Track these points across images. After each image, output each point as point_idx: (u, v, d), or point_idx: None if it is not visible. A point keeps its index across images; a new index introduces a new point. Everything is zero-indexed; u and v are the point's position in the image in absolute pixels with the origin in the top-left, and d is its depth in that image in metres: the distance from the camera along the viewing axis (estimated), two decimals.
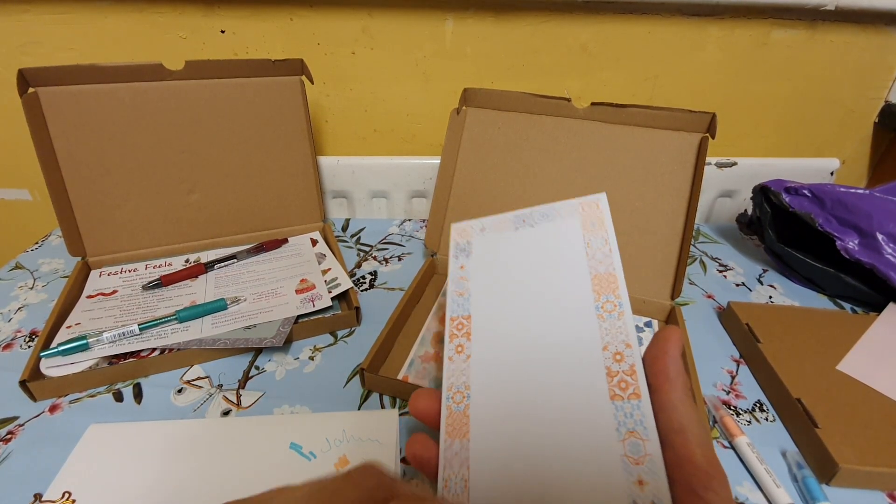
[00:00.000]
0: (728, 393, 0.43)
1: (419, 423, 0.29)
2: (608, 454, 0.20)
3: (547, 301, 0.26)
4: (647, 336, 0.46)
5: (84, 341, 0.41)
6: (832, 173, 0.70)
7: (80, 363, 0.41)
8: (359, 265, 0.60)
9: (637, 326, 0.47)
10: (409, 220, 0.71)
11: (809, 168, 0.69)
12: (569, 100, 0.52)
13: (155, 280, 0.50)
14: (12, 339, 0.47)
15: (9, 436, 0.37)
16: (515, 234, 0.30)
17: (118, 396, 0.41)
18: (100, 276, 0.52)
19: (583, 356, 0.24)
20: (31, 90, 0.47)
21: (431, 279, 0.56)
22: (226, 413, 0.39)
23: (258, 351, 0.45)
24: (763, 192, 0.60)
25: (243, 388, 0.42)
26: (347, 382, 0.42)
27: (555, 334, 0.25)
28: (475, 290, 0.29)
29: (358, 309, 0.48)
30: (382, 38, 0.62)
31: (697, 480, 0.18)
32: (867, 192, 0.54)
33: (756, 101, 0.69)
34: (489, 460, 0.23)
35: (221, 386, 0.42)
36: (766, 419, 0.40)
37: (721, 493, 0.18)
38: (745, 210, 0.65)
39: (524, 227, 0.30)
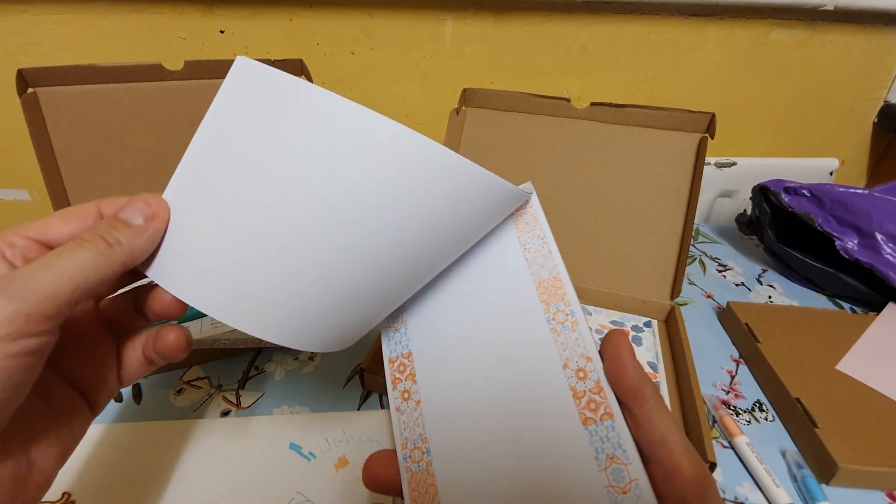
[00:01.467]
0: (728, 393, 0.43)
1: None
2: (592, 488, 0.19)
3: (493, 321, 0.23)
4: (647, 336, 0.46)
5: None
6: (831, 173, 0.70)
7: None
8: None
9: (636, 326, 0.47)
10: None
11: (809, 168, 0.69)
12: (568, 100, 0.52)
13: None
14: None
15: None
16: None
17: (117, 397, 0.41)
18: None
19: (544, 380, 0.21)
20: (30, 90, 0.47)
21: None
22: (225, 413, 0.39)
23: (258, 351, 0.45)
24: (762, 192, 0.60)
25: (243, 388, 0.42)
26: (347, 382, 0.42)
27: (509, 359, 0.22)
28: (411, 320, 0.25)
29: None
30: (382, 39, 0.62)
31: (690, 493, 0.17)
32: (866, 192, 0.54)
33: (755, 101, 0.69)
34: None
35: (221, 386, 0.42)
36: (766, 419, 0.40)
37: (714, 502, 0.18)
38: (745, 210, 0.65)
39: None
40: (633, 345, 0.21)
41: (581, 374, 0.21)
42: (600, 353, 0.21)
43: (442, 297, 0.25)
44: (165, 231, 0.21)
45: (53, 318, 0.16)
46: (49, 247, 0.19)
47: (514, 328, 0.23)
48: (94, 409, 0.22)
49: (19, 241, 0.19)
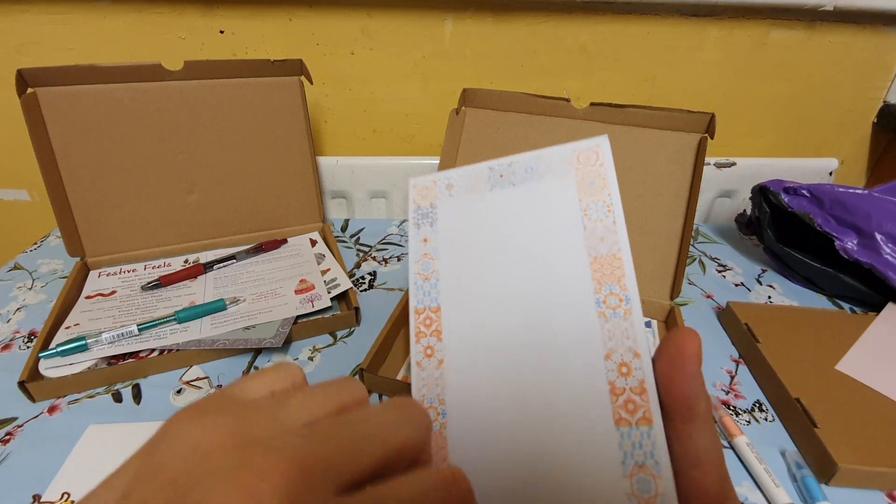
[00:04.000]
0: (727, 393, 0.43)
1: None
2: (612, 493, 0.17)
3: (534, 292, 0.21)
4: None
5: (83, 342, 0.41)
6: (831, 173, 0.70)
7: (78, 364, 0.41)
8: (358, 265, 0.60)
9: None
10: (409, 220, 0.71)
11: (808, 168, 0.69)
12: (568, 100, 0.52)
13: (154, 280, 0.50)
14: (11, 340, 0.47)
15: (7, 437, 0.37)
16: (491, 196, 0.23)
17: (117, 397, 0.41)
18: (99, 276, 0.52)
19: (580, 366, 0.19)
20: (29, 90, 0.47)
21: None
22: None
23: (257, 351, 0.45)
24: (762, 193, 0.60)
25: None
26: None
27: (545, 336, 0.20)
28: (444, 273, 0.23)
29: (357, 309, 0.48)
30: (381, 39, 0.62)
31: None
32: (866, 192, 0.54)
33: (755, 102, 0.69)
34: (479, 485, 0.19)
35: (220, 386, 0.42)
36: (766, 419, 0.40)
37: None
38: (744, 210, 0.65)
39: (502, 186, 0.23)
40: (700, 348, 0.18)
41: (624, 370, 0.18)
42: (659, 351, 0.18)
43: (482, 252, 0.22)
44: None
45: None
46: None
47: (556, 304, 0.20)
48: None
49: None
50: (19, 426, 0.38)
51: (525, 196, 0.23)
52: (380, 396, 0.41)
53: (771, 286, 0.58)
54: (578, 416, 0.19)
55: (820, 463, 0.35)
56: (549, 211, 0.22)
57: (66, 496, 0.32)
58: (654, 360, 0.18)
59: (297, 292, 0.50)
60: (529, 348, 0.20)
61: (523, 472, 0.19)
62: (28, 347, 0.46)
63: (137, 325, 0.44)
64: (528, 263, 0.21)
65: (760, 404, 0.41)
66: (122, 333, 0.43)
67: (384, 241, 0.66)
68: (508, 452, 0.19)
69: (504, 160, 0.23)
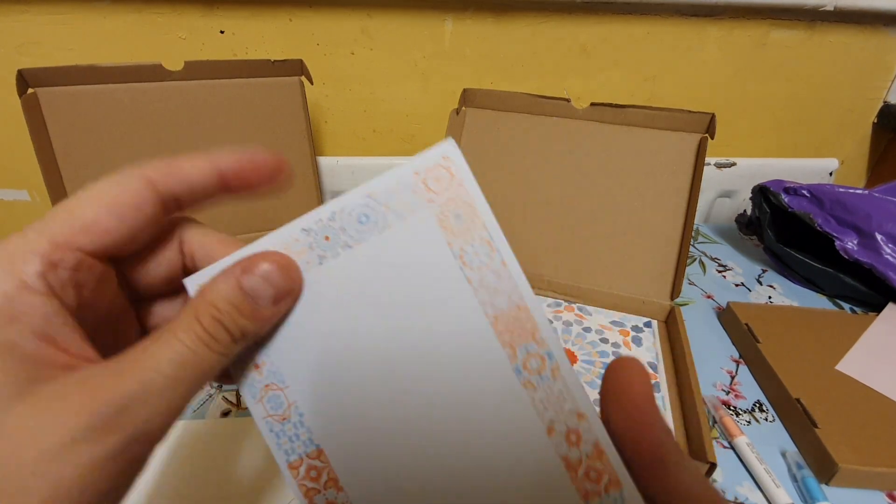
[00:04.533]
0: (727, 393, 0.43)
1: None
2: None
3: (441, 388, 0.16)
4: (647, 336, 0.46)
5: None
6: (831, 173, 0.70)
7: None
8: None
9: (636, 327, 0.47)
10: None
11: (808, 168, 0.69)
12: (568, 100, 0.52)
13: None
14: None
15: None
16: (326, 272, 0.17)
17: None
18: None
19: (525, 454, 0.16)
20: (30, 91, 0.47)
21: None
22: (226, 413, 0.39)
23: None
24: (762, 193, 0.60)
25: None
26: None
27: (476, 435, 0.16)
28: (305, 402, 0.17)
29: None
30: (382, 39, 0.62)
31: None
32: (866, 192, 0.54)
33: (755, 102, 0.69)
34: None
35: (221, 386, 0.42)
36: (766, 419, 0.40)
37: None
38: (745, 210, 0.65)
39: (335, 254, 0.17)
40: (648, 380, 0.16)
41: (573, 438, 0.16)
42: (604, 397, 0.16)
43: (349, 363, 0.17)
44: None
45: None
46: (101, 256, 0.15)
47: (472, 392, 0.16)
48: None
49: (68, 255, 0.14)
50: None
51: (373, 261, 0.17)
52: None
53: (771, 286, 0.58)
54: None
55: (820, 463, 0.35)
56: (415, 274, 0.16)
57: None
58: (602, 412, 0.16)
59: None
60: (466, 457, 0.16)
61: None
62: None
63: None
64: (417, 354, 0.17)
65: (761, 404, 0.41)
66: None
67: None
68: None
69: (321, 212, 0.16)
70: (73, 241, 0.14)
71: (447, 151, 0.17)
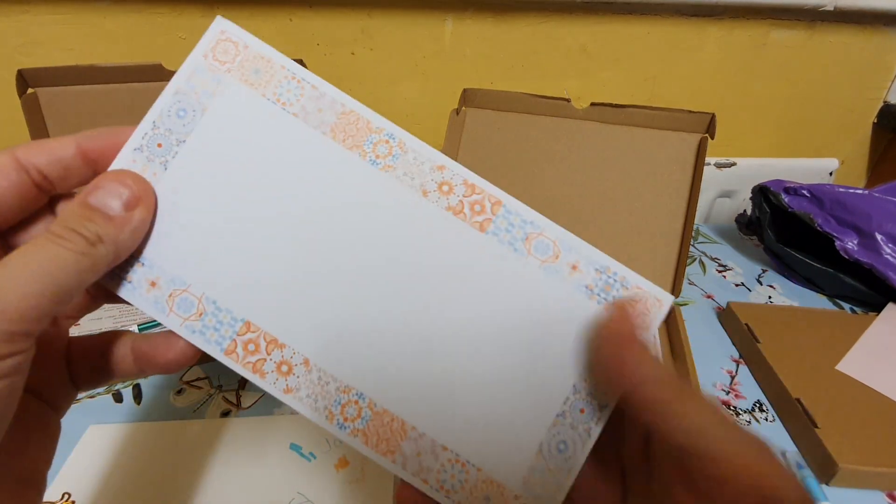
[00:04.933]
0: (728, 393, 0.43)
1: None
2: (528, 281, 0.18)
3: (314, 217, 0.18)
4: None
5: None
6: (831, 173, 0.70)
7: None
8: None
9: None
10: None
11: (808, 168, 0.69)
12: (568, 100, 0.52)
13: None
14: None
15: None
16: (174, 174, 0.18)
17: (118, 397, 0.41)
18: None
19: (413, 223, 0.18)
20: (30, 91, 0.47)
21: None
22: (225, 414, 0.39)
23: None
24: (762, 193, 0.60)
25: (243, 388, 0.42)
26: None
27: (367, 240, 0.18)
28: (213, 291, 0.18)
29: None
30: (382, 39, 0.62)
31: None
32: (866, 192, 0.54)
33: (755, 102, 0.69)
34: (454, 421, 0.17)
35: (221, 387, 0.42)
36: (766, 419, 0.40)
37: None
38: (745, 210, 0.65)
39: (173, 155, 0.18)
40: (634, 318, 0.17)
41: (445, 189, 0.18)
42: (594, 343, 0.17)
43: (226, 236, 0.18)
44: (152, 224, 0.17)
45: (33, 334, 0.14)
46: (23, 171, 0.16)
47: (343, 201, 0.18)
48: (57, 412, 0.20)
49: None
50: None
51: (210, 143, 0.18)
52: None
53: (771, 286, 0.58)
54: (451, 258, 0.18)
55: (820, 463, 0.35)
56: (251, 135, 0.18)
57: (66, 496, 0.32)
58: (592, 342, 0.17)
59: None
60: (371, 253, 0.18)
61: (460, 341, 0.18)
62: None
63: (138, 325, 0.44)
64: (290, 197, 0.18)
65: (761, 404, 0.41)
66: None
67: None
68: (431, 349, 0.18)
69: (143, 126, 0.19)
70: None
71: (221, 26, 0.19)
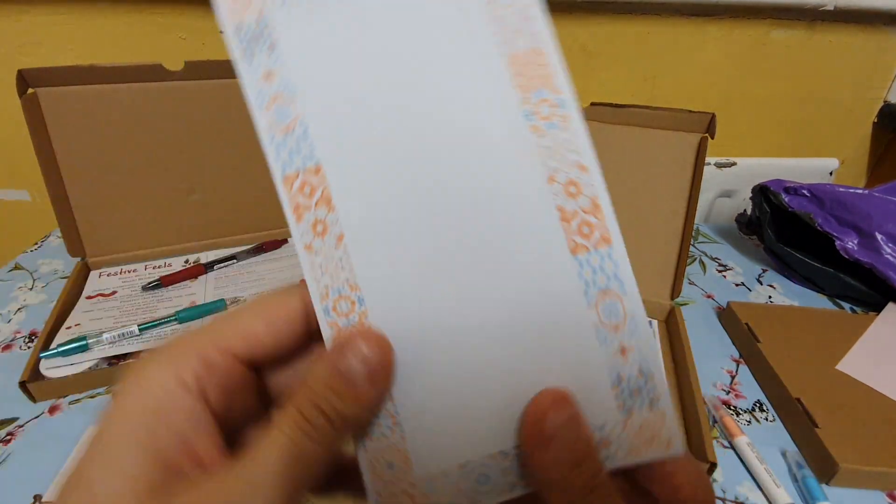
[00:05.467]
0: (728, 393, 0.43)
1: None
2: (577, 327, 0.16)
3: (446, 117, 0.16)
4: None
5: (84, 342, 0.41)
6: (831, 173, 0.70)
7: (79, 364, 0.41)
8: None
9: None
10: None
11: (809, 168, 0.69)
12: None
13: (154, 281, 0.50)
14: (12, 340, 0.47)
15: (8, 437, 0.37)
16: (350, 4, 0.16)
17: None
18: (99, 276, 0.52)
19: (521, 196, 0.16)
20: (30, 91, 0.47)
21: None
22: None
23: None
24: (762, 192, 0.60)
25: None
26: None
27: (468, 170, 0.16)
28: (313, 116, 0.16)
29: None
30: None
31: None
32: (866, 192, 0.54)
33: (755, 101, 0.69)
34: (417, 384, 0.16)
35: None
36: (766, 419, 0.40)
37: None
38: (745, 210, 0.65)
39: None
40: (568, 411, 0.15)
41: (572, 190, 0.16)
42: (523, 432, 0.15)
43: (361, 81, 0.16)
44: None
45: None
46: (249, 363, 0.16)
47: (474, 128, 0.16)
48: None
49: (223, 359, 0.15)
50: (20, 426, 0.38)
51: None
52: None
53: (771, 286, 0.58)
54: (527, 254, 0.16)
55: (821, 463, 0.35)
56: (438, 3, 0.16)
57: None
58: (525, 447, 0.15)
59: None
60: (452, 189, 0.16)
61: (473, 334, 0.16)
62: (29, 348, 0.46)
63: (138, 326, 0.44)
64: (427, 85, 0.16)
65: (761, 404, 0.41)
66: (123, 333, 0.43)
67: None
68: (452, 315, 0.16)
69: None
70: (230, 346, 0.15)
71: None
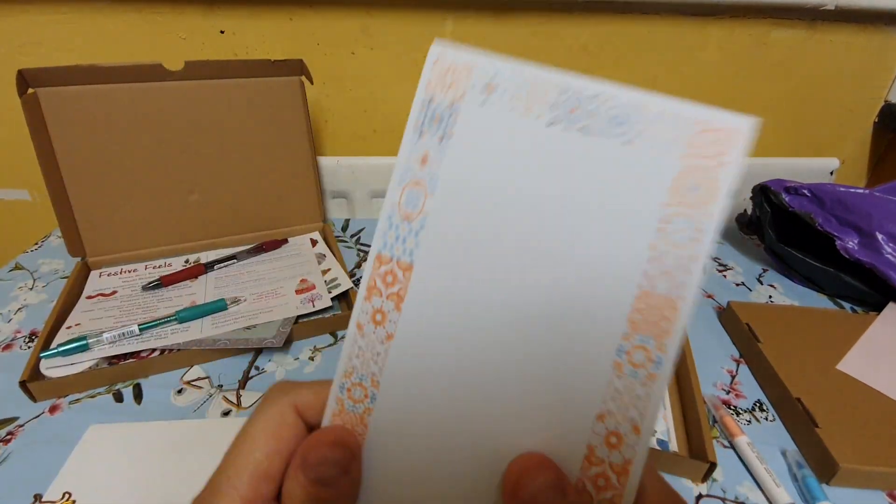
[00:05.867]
0: (728, 392, 0.43)
1: None
2: None
3: (547, 298, 0.15)
4: None
5: (84, 342, 0.41)
6: (832, 173, 0.70)
7: (79, 364, 0.41)
8: (359, 265, 0.60)
9: None
10: None
11: (809, 168, 0.69)
12: None
13: (155, 280, 0.50)
14: (12, 340, 0.47)
15: (9, 436, 0.37)
16: (545, 133, 0.15)
17: (118, 397, 0.41)
18: (99, 276, 0.52)
19: (564, 419, 0.15)
20: (30, 90, 0.47)
21: None
22: (226, 413, 0.39)
23: (258, 351, 0.45)
24: (763, 192, 0.60)
25: (243, 388, 0.42)
26: None
27: (539, 361, 0.15)
28: (435, 219, 0.16)
29: None
30: (382, 39, 0.62)
31: None
32: (867, 191, 0.54)
33: (756, 101, 0.69)
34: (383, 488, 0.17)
35: (221, 386, 0.42)
36: (766, 419, 0.40)
37: None
38: (745, 210, 0.65)
39: (567, 127, 0.15)
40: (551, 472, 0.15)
41: (612, 440, 0.15)
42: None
43: (502, 210, 0.16)
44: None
45: None
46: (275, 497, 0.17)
47: (567, 330, 0.15)
48: None
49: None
50: (20, 426, 0.38)
51: (592, 157, 0.15)
52: None
53: (772, 286, 0.58)
54: (534, 444, 0.16)
55: (821, 463, 0.35)
56: (613, 197, 0.15)
57: (67, 496, 0.32)
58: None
59: (297, 292, 0.50)
60: (513, 365, 0.16)
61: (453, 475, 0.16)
62: (29, 347, 0.46)
63: (138, 325, 0.44)
64: (558, 257, 0.15)
65: (761, 404, 0.41)
66: (123, 333, 0.43)
67: None
68: (442, 480, 0.16)
69: (586, 85, 0.15)
70: (261, 491, 0.16)
71: (742, 125, 0.14)
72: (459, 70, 0.16)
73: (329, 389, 0.17)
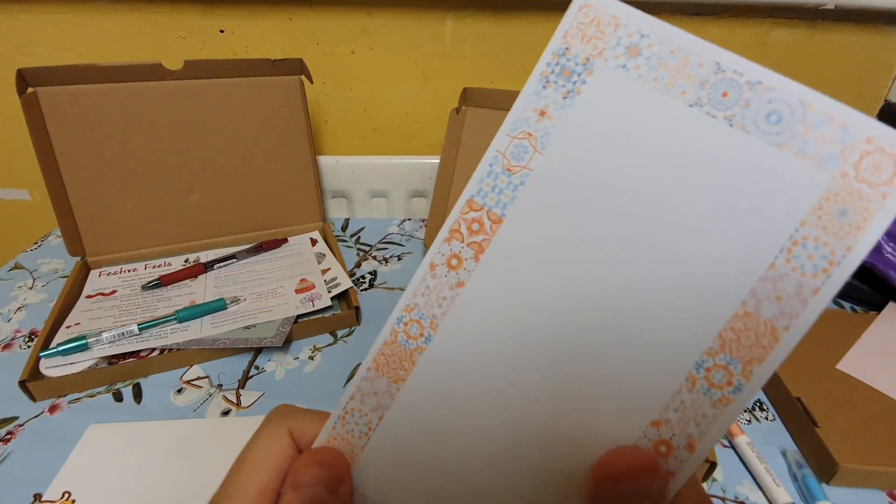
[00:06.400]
0: None
1: None
2: None
3: (635, 293, 0.14)
4: None
5: (83, 341, 0.41)
6: None
7: (79, 363, 0.41)
8: (358, 265, 0.60)
9: None
10: (409, 219, 0.71)
11: None
12: None
13: (154, 280, 0.50)
14: (12, 340, 0.47)
15: (8, 436, 0.37)
16: (686, 114, 0.14)
17: (118, 396, 0.41)
18: (99, 276, 0.52)
19: (618, 416, 0.15)
20: (30, 90, 0.47)
21: None
22: (225, 413, 0.39)
23: (258, 351, 0.45)
24: None
25: (243, 387, 0.42)
26: (347, 382, 0.42)
27: (603, 353, 0.15)
28: (538, 179, 0.15)
29: (358, 308, 0.48)
30: (382, 38, 0.62)
31: None
32: None
33: None
34: (409, 437, 0.16)
35: (221, 386, 0.42)
36: (766, 418, 0.40)
37: None
38: None
39: (712, 112, 0.13)
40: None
41: (663, 449, 0.14)
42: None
43: (611, 191, 0.14)
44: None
45: None
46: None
47: (643, 330, 0.14)
48: None
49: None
50: (20, 425, 0.38)
51: (733, 153, 0.13)
52: None
53: None
54: (578, 452, 0.15)
55: (821, 462, 0.35)
56: (746, 202, 0.13)
57: (66, 495, 0.32)
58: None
59: (297, 291, 0.50)
60: (579, 350, 0.15)
61: (491, 458, 0.16)
62: (29, 347, 0.46)
63: (138, 325, 0.44)
64: (663, 253, 0.14)
65: (761, 403, 0.41)
66: (123, 333, 0.43)
67: (384, 240, 0.66)
68: (484, 430, 0.16)
69: (750, 68, 0.13)
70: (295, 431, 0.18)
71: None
72: (604, 24, 0.15)
73: (327, 420, 0.18)
